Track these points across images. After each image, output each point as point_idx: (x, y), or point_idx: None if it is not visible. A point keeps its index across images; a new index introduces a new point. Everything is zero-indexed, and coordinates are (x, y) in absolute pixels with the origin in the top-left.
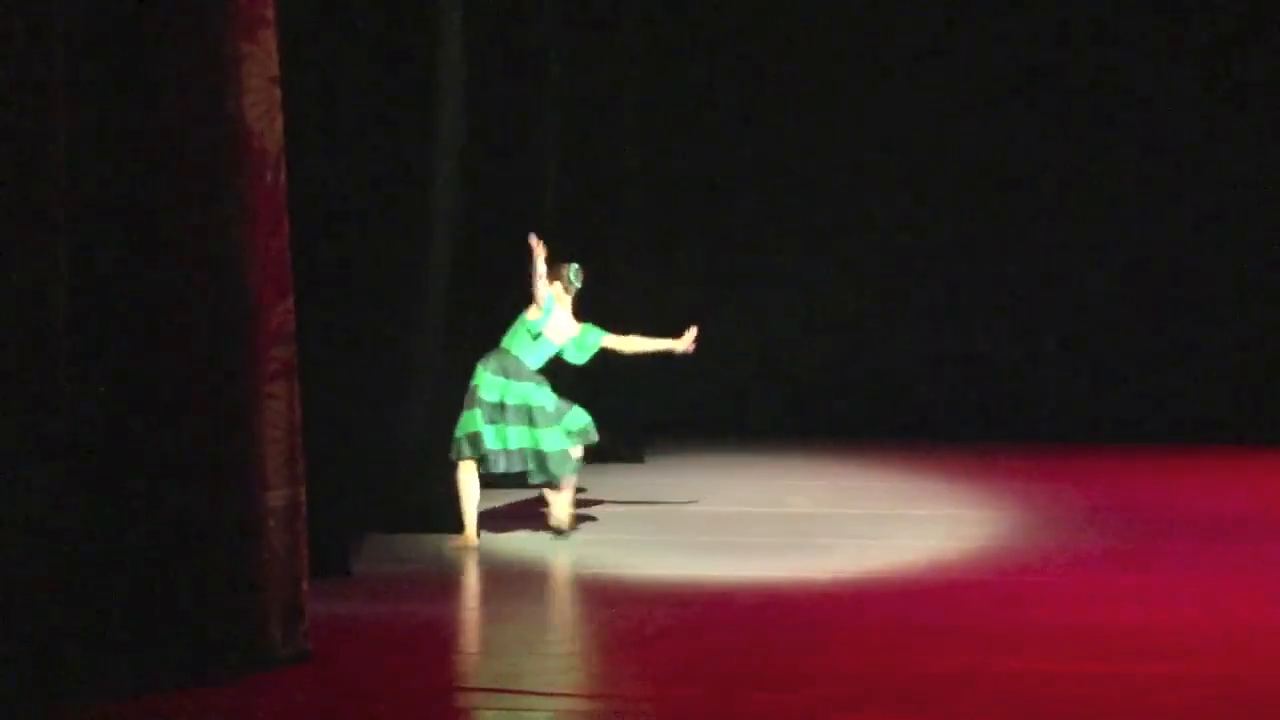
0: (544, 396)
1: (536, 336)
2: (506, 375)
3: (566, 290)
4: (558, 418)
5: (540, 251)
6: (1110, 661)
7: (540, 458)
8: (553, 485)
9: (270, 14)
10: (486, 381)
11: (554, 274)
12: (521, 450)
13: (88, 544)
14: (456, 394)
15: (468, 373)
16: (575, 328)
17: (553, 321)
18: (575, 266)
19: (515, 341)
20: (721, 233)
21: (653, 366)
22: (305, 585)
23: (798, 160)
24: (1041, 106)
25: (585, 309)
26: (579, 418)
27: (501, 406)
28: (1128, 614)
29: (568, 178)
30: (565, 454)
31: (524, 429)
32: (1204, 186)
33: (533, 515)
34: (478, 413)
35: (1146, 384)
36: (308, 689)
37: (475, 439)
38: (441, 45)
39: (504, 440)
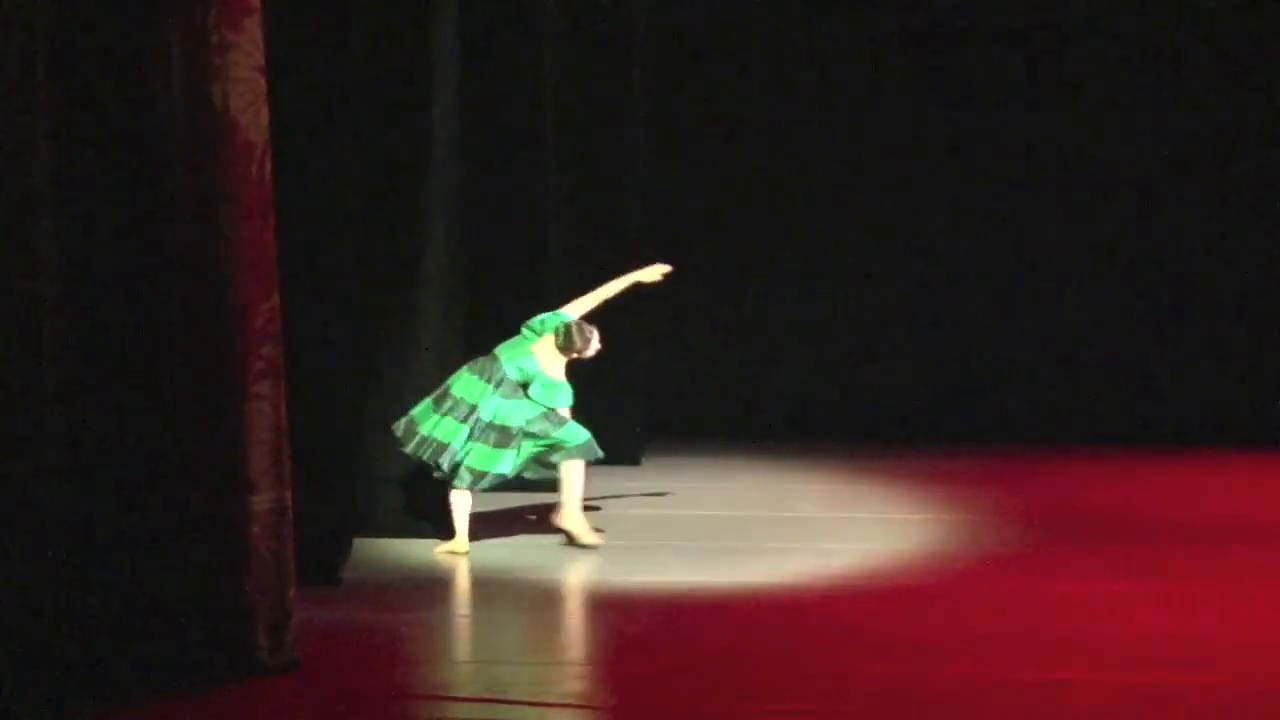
0: (516, 413)
1: (529, 336)
2: (487, 380)
3: (558, 346)
4: (520, 437)
5: (639, 279)
6: (1129, 671)
7: (459, 466)
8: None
9: (256, 1)
10: (464, 381)
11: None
12: (447, 446)
13: (69, 546)
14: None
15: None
16: (559, 375)
17: (547, 340)
18: (570, 328)
19: (508, 346)
20: (721, 234)
21: (651, 366)
22: (292, 591)
23: (796, 162)
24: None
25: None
26: (569, 434)
27: (466, 407)
28: (1145, 621)
29: (567, 176)
30: (482, 474)
31: (477, 441)
32: (1192, 189)
33: (525, 521)
34: (429, 402)
35: (1150, 387)
36: (294, 698)
37: (410, 423)
38: (435, 35)
39: (444, 434)
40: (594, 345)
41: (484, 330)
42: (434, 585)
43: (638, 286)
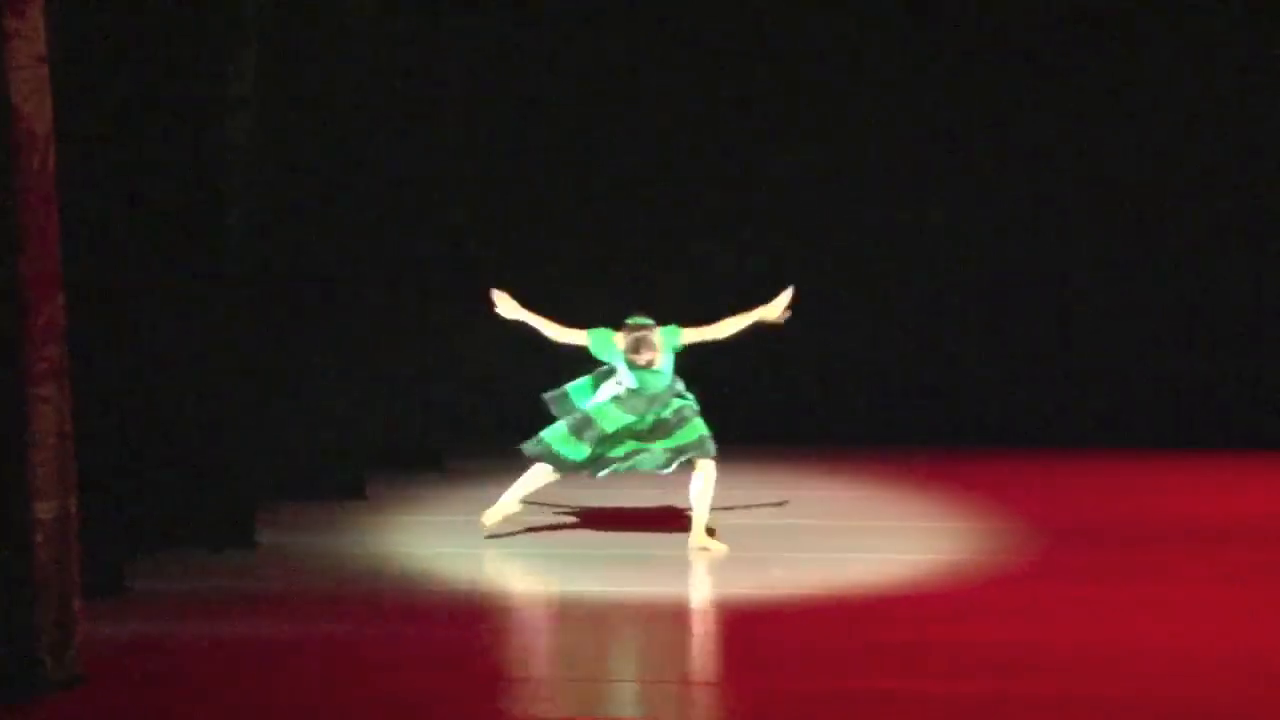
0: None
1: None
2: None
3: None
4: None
5: (763, 317)
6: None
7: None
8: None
9: None
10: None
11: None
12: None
13: None
14: (245, 396)
15: (270, 374)
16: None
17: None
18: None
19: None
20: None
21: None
22: (77, 603)
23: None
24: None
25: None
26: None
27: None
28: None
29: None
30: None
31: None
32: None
33: (350, 524)
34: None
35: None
36: (76, 718)
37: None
38: (237, 22)
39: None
40: (643, 358)
41: (293, 327)
42: (233, 597)
43: (759, 325)
